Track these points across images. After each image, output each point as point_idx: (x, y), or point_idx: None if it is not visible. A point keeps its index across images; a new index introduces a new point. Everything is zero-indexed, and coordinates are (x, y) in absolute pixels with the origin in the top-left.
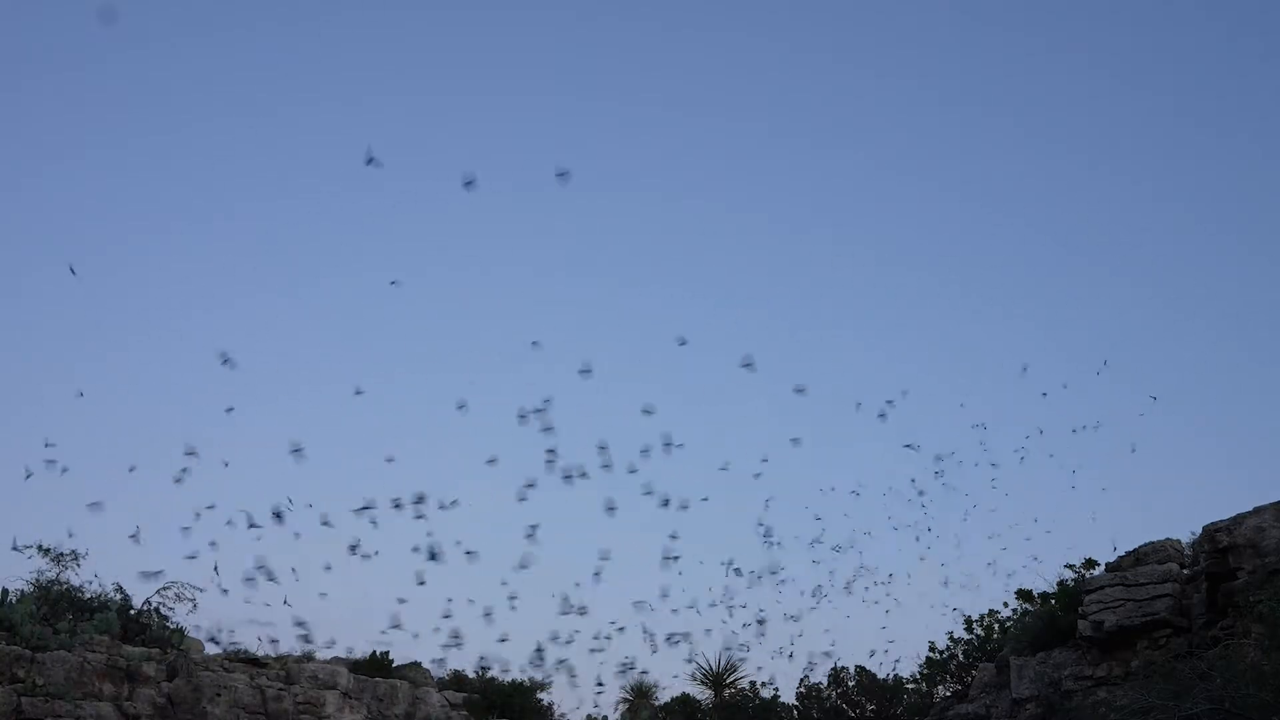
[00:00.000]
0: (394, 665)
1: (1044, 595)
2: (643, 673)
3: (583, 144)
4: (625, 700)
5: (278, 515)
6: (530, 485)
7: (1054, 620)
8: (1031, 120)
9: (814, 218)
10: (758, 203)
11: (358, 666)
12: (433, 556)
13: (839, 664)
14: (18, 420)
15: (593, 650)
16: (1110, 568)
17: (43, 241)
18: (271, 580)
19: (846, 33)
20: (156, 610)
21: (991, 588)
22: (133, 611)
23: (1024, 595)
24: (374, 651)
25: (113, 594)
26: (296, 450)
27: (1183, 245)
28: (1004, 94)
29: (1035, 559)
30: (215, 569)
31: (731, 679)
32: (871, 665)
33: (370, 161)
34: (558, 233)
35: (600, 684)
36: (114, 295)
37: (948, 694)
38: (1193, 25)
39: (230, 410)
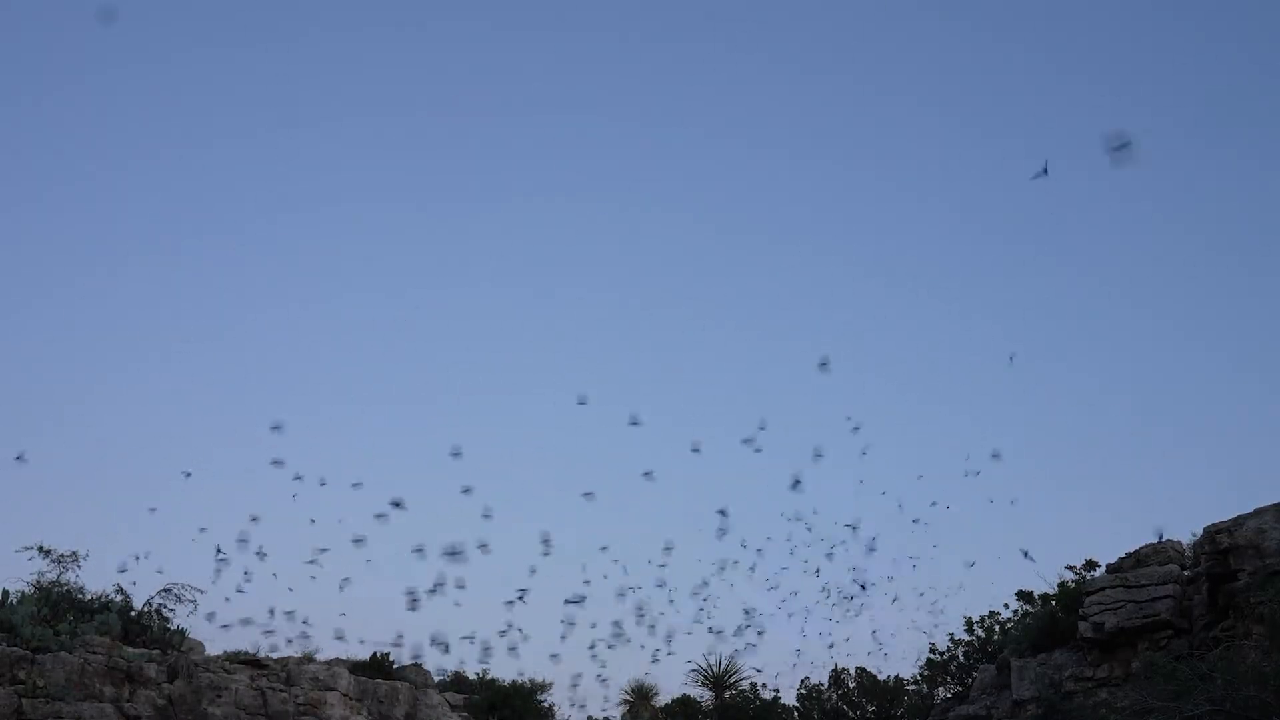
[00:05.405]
0: (395, 666)
1: (1044, 596)
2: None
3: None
4: (626, 701)
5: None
6: None
7: (1054, 621)
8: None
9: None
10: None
11: (358, 668)
12: None
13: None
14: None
15: None
16: (1111, 569)
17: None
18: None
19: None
20: (157, 611)
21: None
22: (133, 613)
23: (1024, 596)
24: (374, 653)
25: (113, 595)
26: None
27: (1182, 249)
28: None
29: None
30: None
31: (732, 680)
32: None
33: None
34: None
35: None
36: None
37: (948, 695)
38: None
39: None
